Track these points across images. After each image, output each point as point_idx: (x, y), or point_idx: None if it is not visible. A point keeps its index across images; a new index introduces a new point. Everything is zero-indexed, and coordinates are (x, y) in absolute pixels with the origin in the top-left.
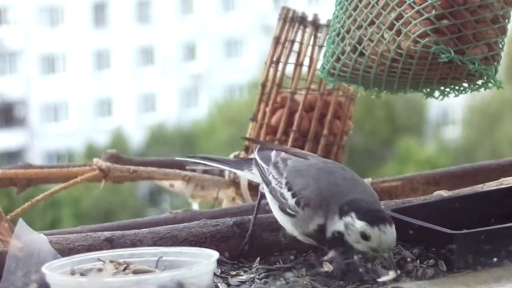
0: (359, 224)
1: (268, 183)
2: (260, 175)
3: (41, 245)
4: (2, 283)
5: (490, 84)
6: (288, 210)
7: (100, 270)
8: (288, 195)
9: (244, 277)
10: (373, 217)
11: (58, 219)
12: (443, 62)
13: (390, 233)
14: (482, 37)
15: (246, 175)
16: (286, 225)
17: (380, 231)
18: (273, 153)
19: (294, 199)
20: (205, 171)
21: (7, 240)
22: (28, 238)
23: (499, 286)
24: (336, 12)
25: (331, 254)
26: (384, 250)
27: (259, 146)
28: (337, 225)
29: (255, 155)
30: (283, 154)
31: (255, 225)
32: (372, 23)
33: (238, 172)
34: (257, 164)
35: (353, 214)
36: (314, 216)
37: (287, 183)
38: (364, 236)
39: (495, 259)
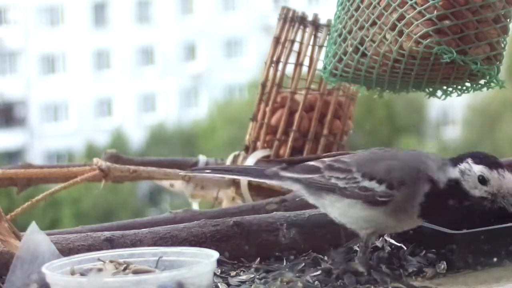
0: (477, 168)
1: (331, 189)
2: (313, 187)
3: (43, 245)
4: (5, 283)
5: (492, 84)
6: (379, 198)
7: (100, 270)
8: (372, 184)
9: (244, 277)
10: (491, 162)
11: (58, 219)
12: (446, 63)
13: (508, 177)
14: (484, 37)
15: (285, 185)
16: (374, 219)
17: (499, 175)
18: (313, 162)
19: (384, 185)
20: None
21: (7, 240)
22: (29, 238)
23: (499, 286)
24: (337, 12)
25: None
26: (504, 194)
27: (283, 164)
28: (451, 173)
29: (284, 174)
30: (329, 159)
31: None
32: (374, 23)
33: (268, 181)
34: (298, 180)
35: (469, 160)
36: (416, 189)
37: (364, 175)
38: (483, 180)
39: (495, 259)
